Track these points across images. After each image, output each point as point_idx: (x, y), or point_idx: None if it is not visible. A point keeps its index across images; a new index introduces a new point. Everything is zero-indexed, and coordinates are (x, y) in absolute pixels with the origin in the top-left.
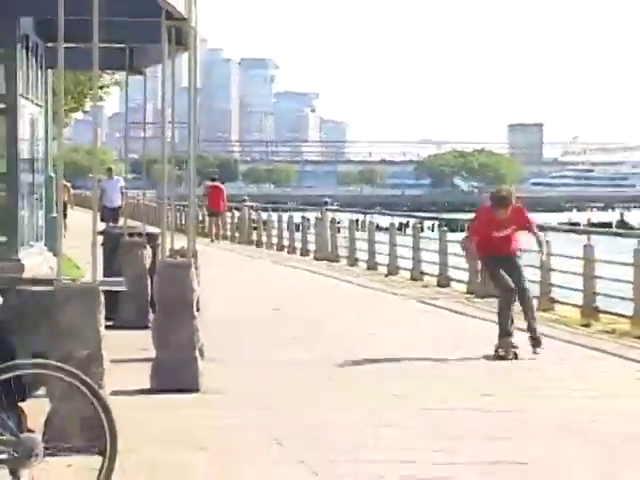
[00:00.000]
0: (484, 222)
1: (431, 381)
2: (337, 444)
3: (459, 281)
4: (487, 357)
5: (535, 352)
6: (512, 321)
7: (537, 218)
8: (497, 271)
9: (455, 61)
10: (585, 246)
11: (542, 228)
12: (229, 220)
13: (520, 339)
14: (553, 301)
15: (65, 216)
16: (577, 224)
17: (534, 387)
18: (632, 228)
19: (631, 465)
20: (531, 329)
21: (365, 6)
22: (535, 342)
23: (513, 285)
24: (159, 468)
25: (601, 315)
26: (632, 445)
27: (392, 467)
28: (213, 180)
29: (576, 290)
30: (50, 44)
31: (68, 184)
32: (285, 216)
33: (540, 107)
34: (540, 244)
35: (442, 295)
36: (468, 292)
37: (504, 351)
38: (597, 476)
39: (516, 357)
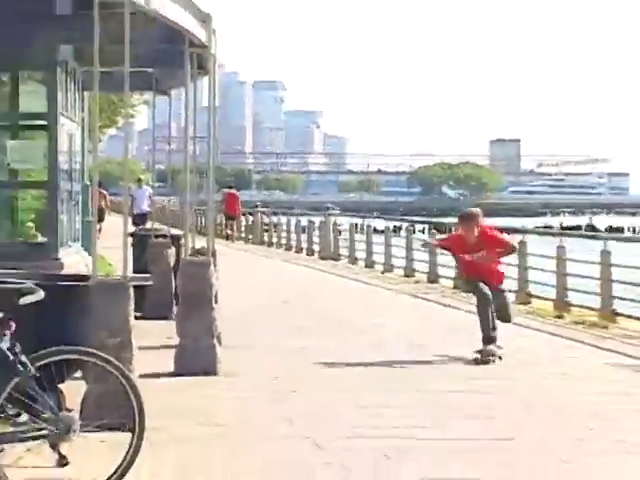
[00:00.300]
0: (452, 240)
1: (424, 365)
2: (341, 422)
3: (447, 277)
4: (470, 361)
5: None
6: (494, 327)
7: (516, 222)
8: (477, 284)
9: (443, 82)
10: (558, 247)
11: (519, 231)
12: (243, 223)
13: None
14: (530, 295)
15: (101, 220)
16: (551, 227)
17: (511, 370)
18: (599, 231)
19: (600, 438)
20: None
21: (363, 35)
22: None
23: (490, 295)
24: (183, 443)
25: (572, 308)
26: (600, 421)
27: (392, 442)
28: (229, 188)
29: (550, 286)
30: (86, 68)
31: (105, 192)
32: (293, 220)
33: (517, 124)
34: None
35: (431, 290)
36: (454, 287)
37: (487, 357)
38: (570, 447)
39: (500, 358)
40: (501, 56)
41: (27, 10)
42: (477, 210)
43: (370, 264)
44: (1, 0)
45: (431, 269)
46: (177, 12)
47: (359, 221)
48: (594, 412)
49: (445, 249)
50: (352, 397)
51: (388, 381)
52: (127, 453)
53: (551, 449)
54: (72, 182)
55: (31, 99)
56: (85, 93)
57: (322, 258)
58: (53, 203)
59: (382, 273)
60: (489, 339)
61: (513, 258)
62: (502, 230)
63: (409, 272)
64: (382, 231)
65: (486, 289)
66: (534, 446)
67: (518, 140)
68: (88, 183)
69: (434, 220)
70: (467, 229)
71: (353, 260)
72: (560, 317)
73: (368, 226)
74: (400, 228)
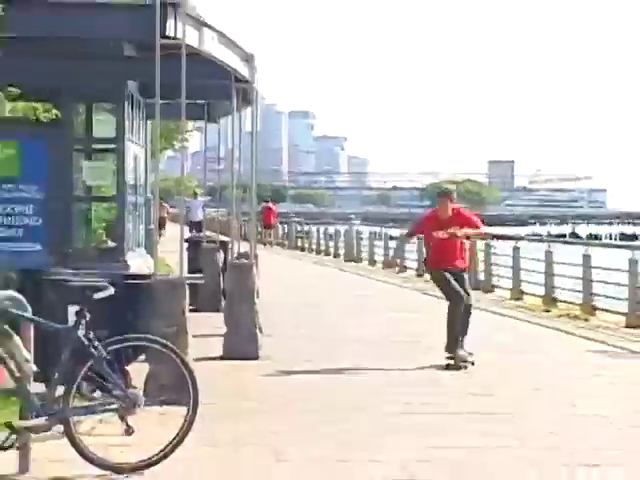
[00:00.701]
0: (426, 220)
1: (433, 349)
2: (362, 396)
3: None
4: (439, 367)
5: (472, 362)
6: (460, 330)
7: (510, 230)
8: (448, 280)
9: (448, 112)
10: (546, 251)
11: (514, 238)
12: (280, 231)
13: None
14: (522, 292)
15: (162, 227)
16: (540, 235)
17: (504, 356)
18: (581, 238)
19: (587, 415)
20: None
21: (377, 72)
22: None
23: (464, 294)
24: (230, 416)
25: (558, 303)
26: (587, 399)
27: (406, 413)
28: (267, 202)
29: (539, 284)
30: (149, 100)
31: (165, 204)
32: (322, 228)
33: (511, 146)
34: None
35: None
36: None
37: (457, 363)
38: (560, 418)
39: (472, 364)
40: (495, 87)
41: (100, 52)
42: (452, 187)
43: (387, 265)
44: (76, 42)
45: None
46: (225, 53)
47: (377, 229)
48: (582, 392)
49: (419, 234)
50: (374, 375)
51: (403, 361)
52: (183, 424)
53: (544, 420)
54: (137, 196)
55: (103, 126)
56: (148, 121)
57: (346, 260)
58: (121, 214)
59: (398, 273)
60: (457, 344)
61: (508, 260)
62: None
63: (421, 272)
64: (397, 237)
65: (458, 287)
66: (530, 418)
67: (512, 161)
68: (150, 196)
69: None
70: (442, 205)
71: (372, 262)
72: (548, 311)
73: (385, 234)
74: None
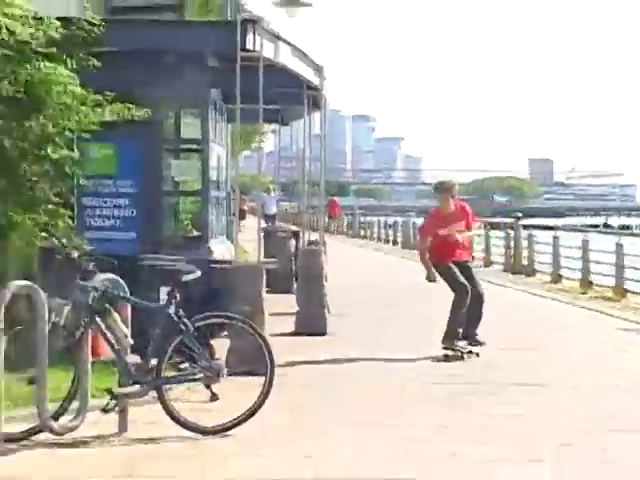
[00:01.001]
0: (429, 220)
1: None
2: (413, 370)
3: (497, 263)
4: (434, 359)
5: (476, 354)
6: (461, 323)
7: (549, 222)
8: (453, 272)
9: (493, 112)
10: (583, 240)
11: (553, 228)
12: (345, 222)
13: None
14: (560, 277)
15: (242, 219)
16: (576, 226)
17: (544, 332)
18: (613, 228)
19: (622, 385)
20: (473, 335)
21: (431, 71)
22: (477, 343)
23: (469, 287)
24: (302, 384)
25: (594, 286)
26: (619, 371)
27: (454, 387)
28: (332, 196)
29: (576, 269)
30: (230, 106)
31: (245, 198)
32: (382, 219)
33: (551, 144)
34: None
35: (487, 271)
36: (504, 270)
37: (454, 353)
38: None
39: (477, 355)
40: (536, 91)
41: (187, 63)
42: (451, 180)
43: None
44: (167, 55)
45: (486, 254)
46: (298, 64)
47: None
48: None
49: (430, 236)
50: (421, 351)
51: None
52: (261, 392)
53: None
54: (219, 190)
55: (189, 129)
56: (228, 124)
57: (403, 248)
58: (205, 206)
59: None
60: (455, 335)
61: (548, 247)
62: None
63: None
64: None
65: (462, 278)
66: (567, 388)
67: (551, 160)
68: (230, 191)
69: (486, 220)
70: (443, 200)
71: None
72: (584, 293)
73: None
74: None
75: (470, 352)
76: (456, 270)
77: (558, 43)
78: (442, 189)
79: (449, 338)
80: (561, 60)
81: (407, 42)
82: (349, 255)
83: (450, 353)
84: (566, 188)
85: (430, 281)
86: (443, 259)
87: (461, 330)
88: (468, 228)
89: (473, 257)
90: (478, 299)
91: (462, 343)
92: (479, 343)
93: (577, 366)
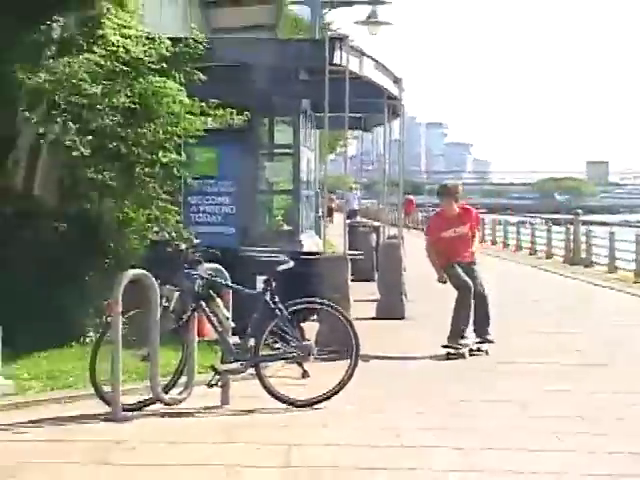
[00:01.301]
0: (433, 222)
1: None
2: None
3: (558, 255)
4: (436, 357)
5: (486, 351)
6: (466, 322)
7: (605, 218)
8: (457, 272)
9: (553, 118)
10: (636, 235)
11: (608, 224)
12: (420, 217)
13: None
14: (615, 267)
15: (330, 215)
16: (630, 222)
17: (600, 318)
18: None
19: None
20: (485, 333)
21: (497, 80)
22: (487, 341)
23: (472, 285)
24: (383, 364)
25: None
26: None
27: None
28: (408, 194)
29: (630, 261)
30: (318, 114)
31: (333, 196)
32: None
33: (607, 148)
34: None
35: (548, 263)
36: (564, 262)
37: (455, 351)
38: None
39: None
40: (591, 95)
41: (280, 76)
42: (455, 183)
43: (505, 244)
44: (262, 69)
45: (548, 247)
46: (379, 76)
47: (498, 217)
48: None
49: (436, 238)
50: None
51: (529, 326)
52: (347, 371)
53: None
54: (308, 190)
55: (282, 135)
56: (316, 130)
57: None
58: (295, 204)
59: (513, 252)
60: (459, 334)
61: (604, 241)
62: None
63: (532, 251)
64: (513, 223)
65: (466, 278)
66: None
67: (607, 162)
68: (318, 190)
69: (548, 216)
70: (447, 203)
71: (493, 242)
72: (637, 282)
73: (506, 221)
74: (524, 222)
75: (479, 350)
76: (459, 270)
77: (613, 50)
78: (445, 192)
79: (453, 337)
80: (614, 70)
81: (475, 55)
82: (420, 246)
83: (452, 351)
84: (621, 187)
85: (441, 282)
86: (447, 260)
87: (465, 329)
88: (472, 231)
89: (535, 250)
90: (482, 299)
91: (470, 340)
92: (489, 341)
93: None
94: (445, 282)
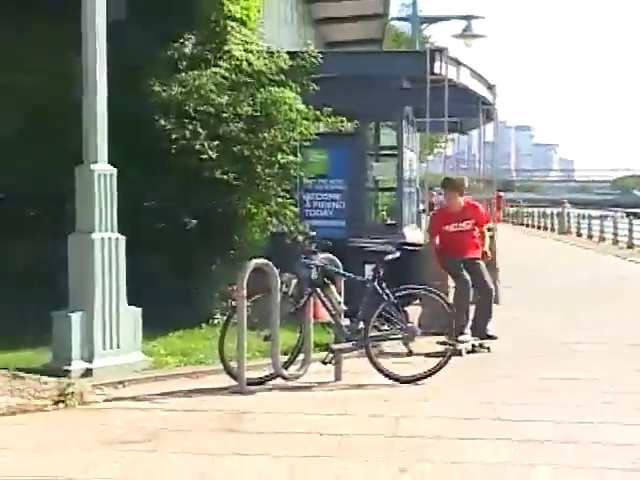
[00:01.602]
0: (436, 217)
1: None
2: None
3: (637, 246)
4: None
5: (487, 348)
6: (467, 318)
7: None
8: (456, 266)
9: (633, 118)
10: None
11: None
12: (511, 212)
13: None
14: None
15: (431, 209)
16: None
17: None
18: None
19: None
20: (483, 330)
21: (582, 82)
22: (489, 337)
23: (469, 280)
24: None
25: None
26: None
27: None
28: (499, 191)
29: None
30: (418, 119)
31: (434, 193)
32: (540, 210)
33: None
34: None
35: (630, 252)
36: None
37: (455, 348)
38: None
39: (482, 347)
40: None
41: (385, 85)
42: (460, 177)
43: (589, 236)
44: (369, 79)
45: (630, 239)
46: (475, 84)
47: (581, 211)
48: None
49: (438, 233)
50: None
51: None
52: (447, 350)
53: None
54: (410, 187)
55: (387, 138)
56: (417, 133)
57: (559, 233)
58: (399, 200)
59: (597, 243)
60: (461, 330)
61: None
62: None
63: (614, 242)
64: (596, 217)
65: (465, 274)
66: None
67: None
68: (419, 188)
69: (629, 210)
70: (452, 198)
71: (578, 234)
72: None
73: (589, 214)
74: (606, 216)
75: (481, 346)
76: (459, 265)
77: None
78: (449, 186)
79: (454, 335)
80: None
81: (561, 60)
82: (514, 239)
83: (460, 348)
84: None
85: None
86: (450, 255)
87: (465, 325)
88: (479, 226)
89: (617, 241)
90: (486, 296)
91: (469, 337)
92: (491, 337)
93: None
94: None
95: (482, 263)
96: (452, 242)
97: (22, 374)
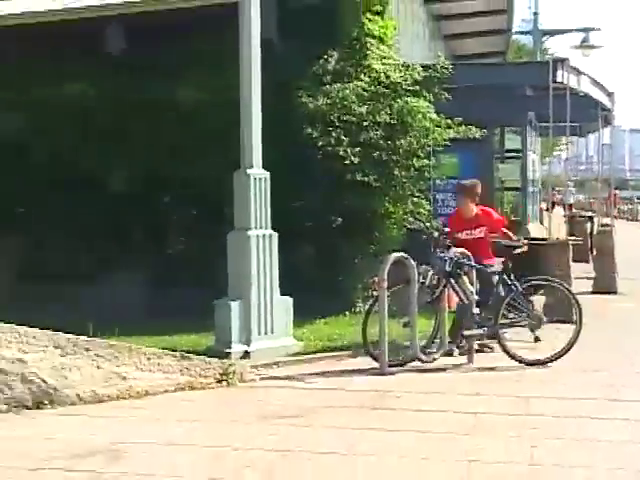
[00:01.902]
0: (450, 222)
1: None
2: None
3: None
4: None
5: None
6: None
7: None
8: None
9: None
10: None
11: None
12: (625, 209)
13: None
14: None
15: (553, 208)
16: None
17: None
18: None
19: None
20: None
21: None
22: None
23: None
24: (597, 330)
25: None
26: None
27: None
28: (615, 188)
29: None
30: (541, 124)
31: (555, 192)
32: None
33: None
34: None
35: None
36: None
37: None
38: None
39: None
40: None
41: (510, 93)
42: (473, 182)
43: None
44: (495, 88)
45: None
46: (595, 91)
47: None
48: None
49: (451, 237)
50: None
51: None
52: (572, 336)
53: None
54: (533, 187)
55: (511, 142)
56: (539, 137)
57: None
58: (523, 199)
59: None
60: (459, 332)
61: None
62: None
63: None
64: None
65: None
66: None
67: None
68: (540, 187)
69: None
70: (464, 204)
71: None
72: None
73: None
74: None
75: (484, 345)
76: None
77: None
78: (462, 192)
79: (454, 334)
80: None
81: None
82: (629, 233)
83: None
84: None
85: None
86: None
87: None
88: (493, 233)
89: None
90: (469, 307)
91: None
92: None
93: None
94: None
95: (495, 275)
96: (464, 249)
97: (189, 355)
